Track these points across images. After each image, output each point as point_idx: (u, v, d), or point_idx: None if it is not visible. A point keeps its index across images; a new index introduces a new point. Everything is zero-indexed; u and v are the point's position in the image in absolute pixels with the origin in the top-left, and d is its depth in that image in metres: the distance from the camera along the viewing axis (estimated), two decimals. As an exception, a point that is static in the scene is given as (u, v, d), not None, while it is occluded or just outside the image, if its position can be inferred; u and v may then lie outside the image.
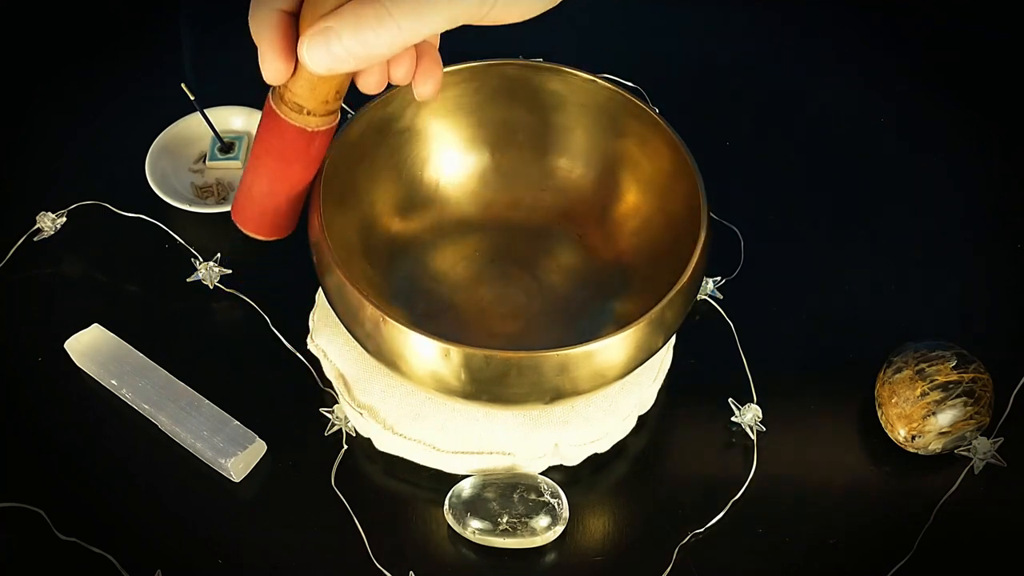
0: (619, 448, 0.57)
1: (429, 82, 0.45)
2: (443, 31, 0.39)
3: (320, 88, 0.43)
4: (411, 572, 0.52)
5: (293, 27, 0.40)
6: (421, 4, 0.37)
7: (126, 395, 0.57)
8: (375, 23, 0.37)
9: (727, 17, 0.81)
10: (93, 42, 0.80)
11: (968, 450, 0.56)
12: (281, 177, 0.48)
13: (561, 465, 0.56)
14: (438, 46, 0.46)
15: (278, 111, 0.44)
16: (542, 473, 0.55)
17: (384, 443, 0.56)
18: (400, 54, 0.42)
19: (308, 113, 0.44)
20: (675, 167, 0.55)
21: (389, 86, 0.45)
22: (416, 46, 0.44)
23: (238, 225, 0.51)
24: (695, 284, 0.51)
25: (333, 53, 0.38)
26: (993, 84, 0.78)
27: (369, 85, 0.44)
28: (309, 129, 0.45)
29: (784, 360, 0.61)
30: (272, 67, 0.41)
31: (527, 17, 0.40)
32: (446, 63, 0.57)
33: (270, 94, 0.45)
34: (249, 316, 0.62)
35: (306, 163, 0.47)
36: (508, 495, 0.53)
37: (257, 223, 0.50)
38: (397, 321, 0.47)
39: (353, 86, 0.44)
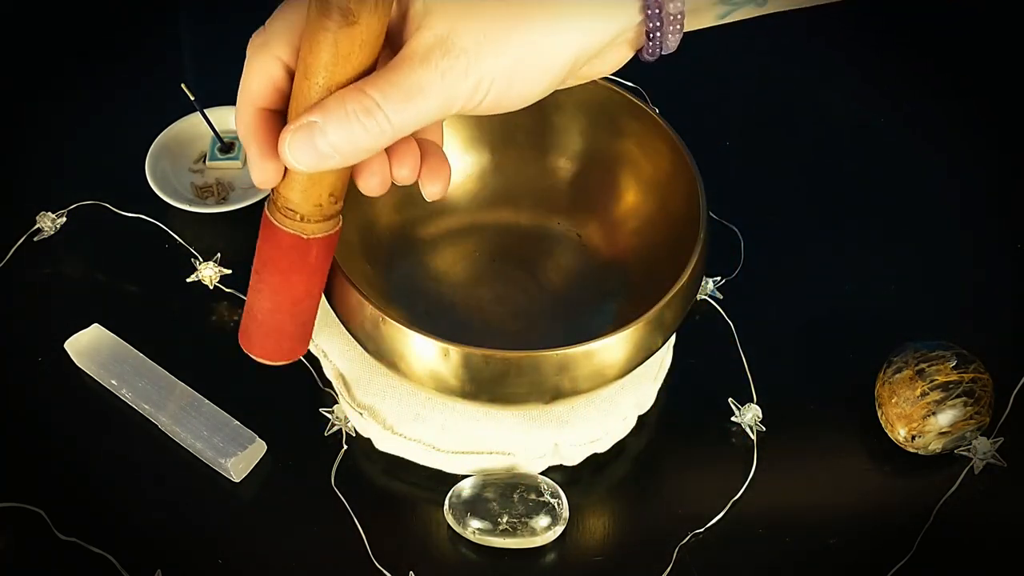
0: (619, 448, 0.57)
1: (437, 182, 0.42)
2: (434, 121, 0.37)
3: (312, 191, 0.40)
4: (411, 572, 0.52)
5: (280, 125, 0.38)
6: (410, 95, 0.35)
7: (126, 395, 0.57)
8: (363, 115, 0.35)
9: (727, 17, 0.81)
10: (93, 42, 0.80)
11: (968, 450, 0.56)
12: (281, 291, 0.44)
13: (561, 465, 0.56)
14: (442, 144, 0.44)
15: (272, 218, 0.41)
16: (542, 473, 0.55)
17: (384, 443, 0.56)
18: (403, 153, 0.40)
19: (302, 219, 0.41)
20: (675, 167, 0.55)
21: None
22: (420, 144, 0.41)
23: (245, 351, 0.48)
24: (694, 284, 0.51)
25: (318, 150, 0.36)
26: (993, 84, 0.78)
27: (371, 187, 0.41)
28: (305, 236, 0.41)
29: (784, 360, 0.61)
30: (259, 168, 0.39)
31: (520, 107, 0.38)
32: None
33: (266, 202, 0.42)
34: (249, 316, 0.62)
35: (306, 274, 0.43)
36: (508, 495, 0.53)
37: (262, 346, 0.47)
38: (396, 321, 0.47)
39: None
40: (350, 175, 0.41)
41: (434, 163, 0.42)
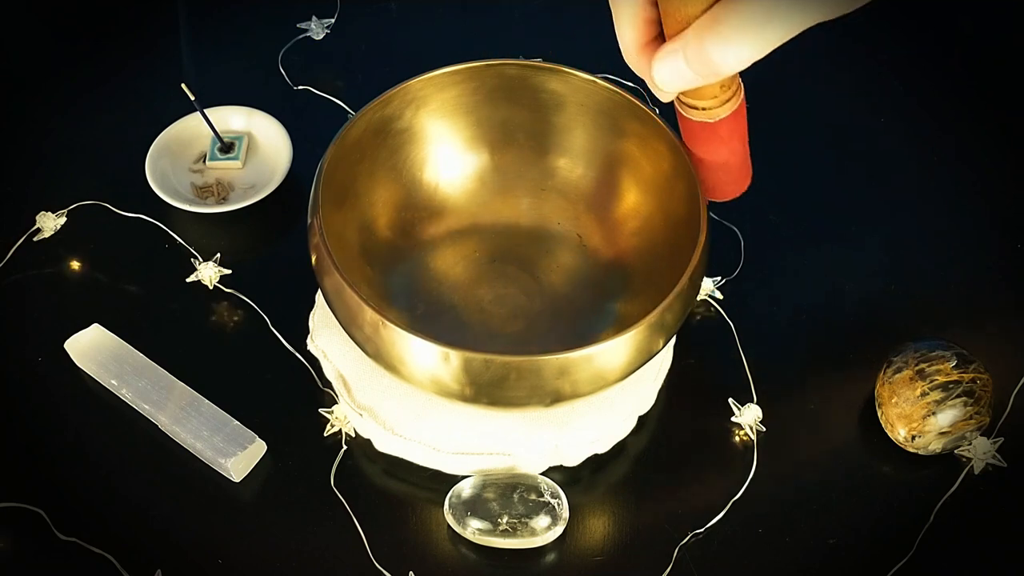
0: (619, 448, 0.57)
1: None
2: (790, 38, 0.38)
3: (704, 90, 0.45)
4: (411, 572, 0.52)
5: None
6: (761, 23, 0.36)
7: (126, 395, 0.57)
8: (717, 45, 0.37)
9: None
10: (93, 42, 0.80)
11: (968, 450, 0.56)
12: (711, 158, 0.50)
13: (561, 465, 0.56)
14: None
15: (682, 111, 0.47)
16: (542, 473, 0.55)
17: (384, 444, 0.56)
18: None
19: (704, 110, 0.46)
20: (675, 167, 0.55)
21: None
22: None
23: (712, 198, 0.53)
24: (695, 285, 0.51)
25: (681, 76, 0.40)
26: (993, 83, 0.78)
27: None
28: (710, 121, 0.46)
29: (784, 360, 0.61)
30: (657, 91, 0.43)
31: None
32: (445, 63, 0.58)
33: (675, 100, 0.47)
34: (249, 316, 0.62)
35: (722, 143, 0.49)
36: (508, 495, 0.53)
37: (721, 191, 0.53)
38: (396, 324, 0.47)
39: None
40: None
41: None
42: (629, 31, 0.43)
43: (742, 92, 0.46)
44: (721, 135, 0.48)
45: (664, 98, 0.44)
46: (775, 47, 0.37)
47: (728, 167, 0.51)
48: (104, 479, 0.56)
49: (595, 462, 0.56)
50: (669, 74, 0.41)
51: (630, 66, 0.44)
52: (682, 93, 0.45)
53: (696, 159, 0.52)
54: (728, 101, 0.46)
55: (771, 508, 0.55)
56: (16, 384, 0.60)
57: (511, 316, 0.59)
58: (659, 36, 0.42)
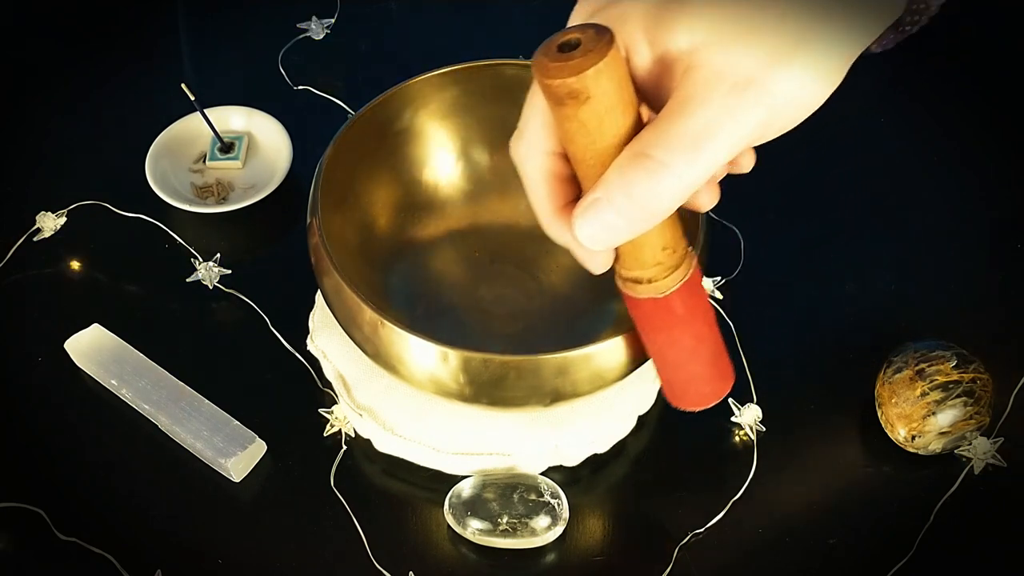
0: (619, 448, 0.57)
1: (715, 193, 0.39)
2: (726, 162, 0.34)
3: (644, 255, 0.39)
4: (411, 572, 0.52)
5: None
6: (696, 142, 0.32)
7: (126, 395, 0.57)
8: (646, 178, 0.32)
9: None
10: (94, 42, 0.80)
11: (968, 450, 0.56)
12: (671, 347, 0.44)
13: (561, 465, 0.56)
14: None
15: (625, 290, 0.41)
16: (542, 473, 0.55)
17: (384, 444, 0.56)
18: None
19: (649, 281, 0.40)
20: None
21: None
22: None
23: (679, 407, 0.47)
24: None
25: (608, 226, 0.34)
26: (993, 84, 0.78)
27: (706, 203, 0.39)
28: (660, 295, 0.40)
29: (784, 360, 0.61)
30: (589, 261, 0.39)
31: (801, 120, 0.35)
32: (445, 64, 0.58)
33: (615, 277, 0.41)
34: (249, 316, 0.62)
35: (683, 324, 0.42)
36: (508, 495, 0.53)
37: (688, 397, 0.46)
38: (396, 324, 0.47)
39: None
40: (677, 217, 0.38)
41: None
42: (541, 192, 0.37)
43: (694, 260, 0.40)
44: (677, 313, 0.41)
45: (596, 265, 0.39)
46: (713, 170, 0.33)
47: (697, 356, 0.44)
48: (104, 479, 0.56)
49: (595, 462, 0.56)
50: (595, 229, 0.34)
51: (550, 235, 0.38)
52: (621, 268, 0.40)
53: (656, 352, 0.44)
54: (676, 268, 0.39)
55: (771, 508, 0.55)
56: (16, 384, 0.60)
57: (511, 316, 0.59)
58: (578, 197, 0.36)
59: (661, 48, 0.33)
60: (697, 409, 0.46)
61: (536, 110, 0.36)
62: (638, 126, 0.34)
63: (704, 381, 0.45)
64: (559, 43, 0.32)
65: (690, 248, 0.40)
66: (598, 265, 0.39)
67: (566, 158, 0.36)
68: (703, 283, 0.42)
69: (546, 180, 0.37)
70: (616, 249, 0.39)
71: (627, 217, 0.34)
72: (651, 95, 0.34)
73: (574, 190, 0.37)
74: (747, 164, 0.39)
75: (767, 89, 0.32)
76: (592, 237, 0.35)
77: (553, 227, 0.38)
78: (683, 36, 0.32)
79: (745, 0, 0.32)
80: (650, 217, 0.34)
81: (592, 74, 0.31)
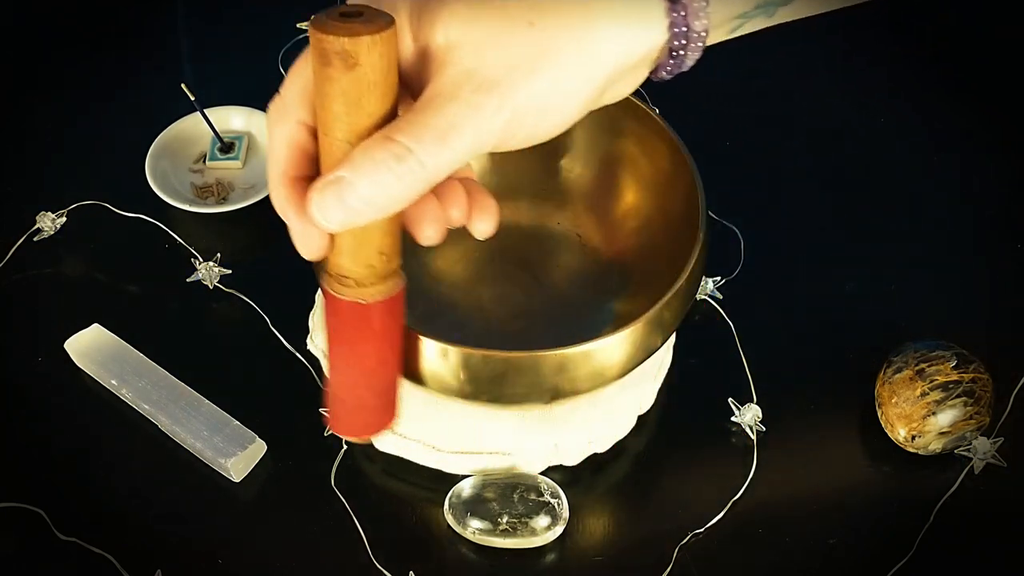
0: (619, 448, 0.57)
1: (488, 220, 0.40)
2: (469, 160, 0.35)
3: (360, 252, 0.38)
4: (411, 572, 0.52)
5: None
6: (443, 135, 0.33)
7: (126, 395, 0.57)
8: (393, 163, 0.33)
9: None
10: (93, 42, 0.80)
11: (968, 450, 0.56)
12: (352, 363, 0.42)
13: (561, 465, 0.56)
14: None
15: (328, 288, 0.39)
16: (542, 473, 0.55)
17: (384, 443, 0.56)
18: (451, 194, 0.39)
19: (357, 284, 0.38)
20: (674, 167, 0.55)
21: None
22: (464, 184, 0.39)
23: (334, 432, 0.46)
24: (694, 284, 0.51)
25: (348, 205, 0.34)
26: (993, 84, 0.78)
27: (428, 236, 0.39)
28: (363, 302, 0.39)
29: (784, 360, 0.61)
30: (302, 240, 0.37)
31: (550, 137, 0.36)
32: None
33: (321, 274, 0.40)
34: (249, 316, 0.62)
35: (374, 342, 0.41)
36: (508, 495, 0.53)
37: (347, 424, 0.44)
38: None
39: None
40: (400, 229, 0.38)
41: (479, 200, 0.40)
42: (280, 156, 0.37)
43: (403, 283, 0.40)
44: (374, 327, 0.40)
45: (312, 249, 0.37)
46: (456, 164, 0.33)
47: (376, 379, 0.43)
48: (104, 479, 0.56)
49: (595, 462, 0.56)
50: (331, 206, 0.34)
51: (274, 203, 0.37)
52: (332, 262, 0.38)
53: (338, 365, 0.42)
54: (386, 280, 0.39)
55: (771, 508, 0.55)
56: (16, 384, 0.60)
57: (511, 315, 0.59)
58: (315, 174, 0.36)
59: (423, 41, 0.34)
60: (354, 439, 0.45)
61: (299, 77, 0.36)
62: (391, 116, 0.34)
63: (371, 411, 0.44)
64: (342, 11, 0.33)
65: (402, 272, 0.40)
66: (314, 250, 0.38)
67: (314, 134, 0.36)
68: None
69: (288, 147, 0.37)
70: (333, 239, 0.38)
71: (366, 200, 0.34)
72: (413, 84, 0.35)
73: (311, 167, 0.37)
74: (483, 230, 0.40)
75: (511, 93, 0.33)
76: (326, 214, 0.34)
77: (279, 195, 0.37)
78: (440, 33, 0.34)
79: (500, 8, 0.33)
80: (389, 203, 0.34)
81: (367, 41, 0.32)
